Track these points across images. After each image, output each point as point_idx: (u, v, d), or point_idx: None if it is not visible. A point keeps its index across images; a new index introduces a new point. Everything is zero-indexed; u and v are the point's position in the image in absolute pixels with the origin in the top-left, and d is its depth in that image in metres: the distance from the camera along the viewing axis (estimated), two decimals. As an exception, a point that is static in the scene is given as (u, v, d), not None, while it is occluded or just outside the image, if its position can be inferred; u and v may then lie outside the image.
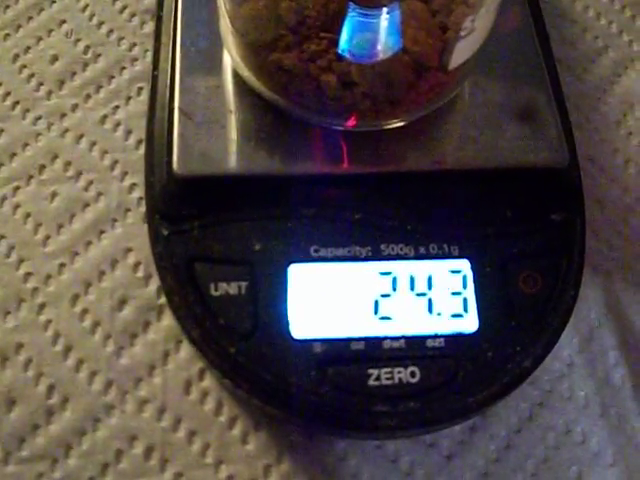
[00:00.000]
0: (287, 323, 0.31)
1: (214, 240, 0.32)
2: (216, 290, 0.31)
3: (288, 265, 0.32)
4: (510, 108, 0.35)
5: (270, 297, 0.31)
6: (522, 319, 0.32)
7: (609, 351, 0.36)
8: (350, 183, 0.33)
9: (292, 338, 0.31)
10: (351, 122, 0.32)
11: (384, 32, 0.30)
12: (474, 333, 0.31)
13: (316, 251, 0.32)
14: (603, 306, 0.37)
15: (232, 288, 0.31)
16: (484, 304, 0.32)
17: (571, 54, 0.43)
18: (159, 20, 0.38)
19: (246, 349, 0.31)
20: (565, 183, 0.34)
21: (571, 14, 0.45)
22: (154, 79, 0.36)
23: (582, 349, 0.36)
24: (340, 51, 0.30)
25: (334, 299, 0.32)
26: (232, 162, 0.33)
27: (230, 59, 0.34)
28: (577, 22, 0.45)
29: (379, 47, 0.31)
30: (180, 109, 0.33)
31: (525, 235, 0.33)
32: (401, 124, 0.33)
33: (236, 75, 0.34)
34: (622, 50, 0.44)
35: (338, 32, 0.30)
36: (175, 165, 0.32)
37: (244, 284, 0.31)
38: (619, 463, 0.34)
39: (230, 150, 0.33)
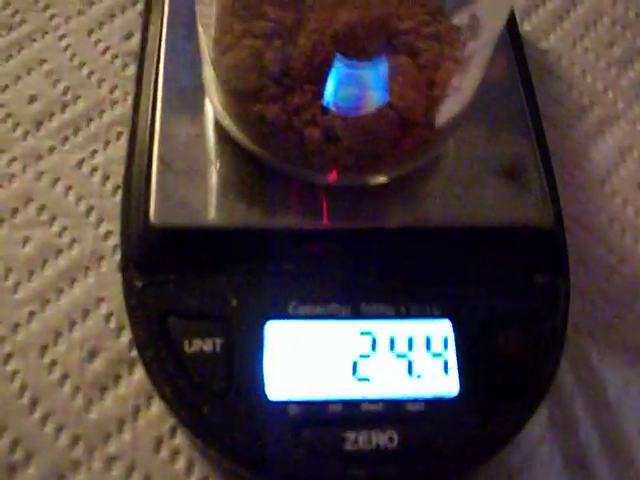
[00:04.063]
0: (263, 383, 0.30)
1: (190, 294, 0.31)
2: (190, 346, 0.30)
3: (265, 322, 0.31)
4: (495, 165, 0.34)
5: (246, 355, 0.30)
6: (503, 383, 0.31)
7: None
8: (331, 239, 0.32)
9: (267, 399, 0.30)
10: (332, 177, 0.32)
11: (370, 85, 0.30)
12: (455, 397, 0.31)
13: (294, 308, 0.31)
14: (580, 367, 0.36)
15: (207, 345, 0.30)
16: (465, 367, 0.31)
17: (556, 111, 0.43)
18: (141, 63, 0.37)
19: (219, 409, 0.30)
20: (550, 243, 0.34)
21: (557, 71, 0.45)
22: (134, 124, 0.35)
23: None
24: (325, 103, 0.30)
25: (312, 359, 0.31)
26: (211, 214, 0.32)
27: (212, 107, 0.34)
28: (563, 79, 0.45)
29: (365, 100, 0.30)
30: (159, 157, 0.33)
31: (509, 296, 0.33)
32: (384, 180, 0.32)
33: (217, 124, 0.33)
34: (607, 108, 0.44)
35: (323, 84, 0.29)
36: (152, 215, 0.31)
37: (219, 341, 0.30)
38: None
39: (209, 201, 0.32)
